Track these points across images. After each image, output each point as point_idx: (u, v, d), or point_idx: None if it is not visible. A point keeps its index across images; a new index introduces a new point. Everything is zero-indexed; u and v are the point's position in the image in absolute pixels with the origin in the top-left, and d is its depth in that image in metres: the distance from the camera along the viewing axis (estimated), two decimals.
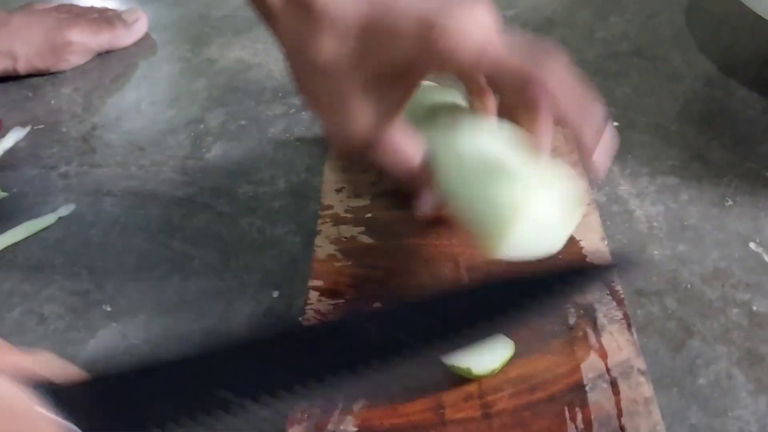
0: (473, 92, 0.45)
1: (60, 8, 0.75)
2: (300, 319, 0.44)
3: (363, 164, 0.53)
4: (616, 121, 0.60)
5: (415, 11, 0.37)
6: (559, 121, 0.39)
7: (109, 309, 0.48)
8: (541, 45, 0.38)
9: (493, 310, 0.30)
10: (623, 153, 0.56)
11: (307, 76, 0.41)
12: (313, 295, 0.45)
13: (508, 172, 0.38)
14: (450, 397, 0.39)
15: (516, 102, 0.41)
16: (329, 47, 0.38)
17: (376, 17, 0.37)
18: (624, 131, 0.58)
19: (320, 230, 0.49)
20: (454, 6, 0.36)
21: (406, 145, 0.42)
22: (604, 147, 0.37)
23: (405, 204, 0.49)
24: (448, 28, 0.36)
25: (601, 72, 0.66)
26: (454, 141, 0.41)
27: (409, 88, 0.40)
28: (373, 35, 0.37)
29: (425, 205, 0.45)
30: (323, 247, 0.48)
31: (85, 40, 0.72)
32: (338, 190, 0.52)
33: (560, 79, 0.37)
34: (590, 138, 0.37)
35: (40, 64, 0.71)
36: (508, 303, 0.30)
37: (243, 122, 0.63)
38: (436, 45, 0.36)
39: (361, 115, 0.39)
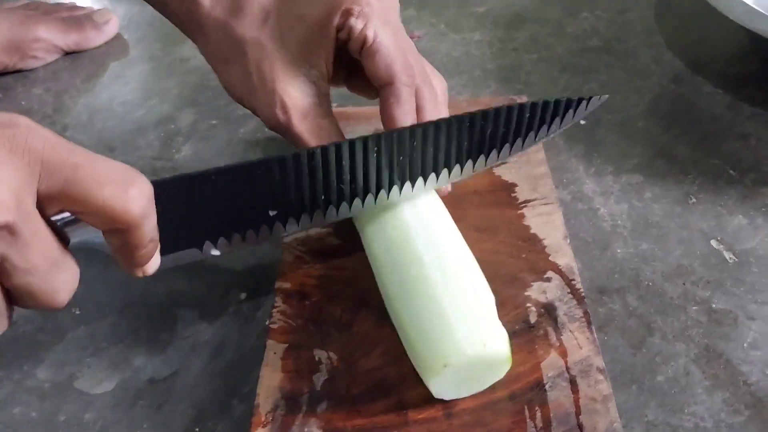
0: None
1: (28, 6, 0.74)
2: (267, 322, 0.44)
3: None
4: (583, 119, 0.60)
5: None
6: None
7: (78, 312, 0.48)
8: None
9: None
10: (589, 151, 0.57)
11: (239, 60, 0.45)
12: (280, 297, 0.45)
13: (443, 315, 0.38)
14: (412, 397, 0.39)
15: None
16: (252, 28, 0.44)
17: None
18: (590, 129, 0.59)
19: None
20: None
21: (329, 126, 0.45)
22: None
23: None
24: None
25: (570, 68, 0.66)
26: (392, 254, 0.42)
27: (330, 56, 0.45)
28: (290, 8, 0.44)
29: None
30: (290, 249, 0.48)
31: (51, 37, 0.71)
32: None
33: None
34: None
35: (6, 60, 0.70)
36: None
37: (214, 122, 0.63)
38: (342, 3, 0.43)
39: (289, 87, 0.44)
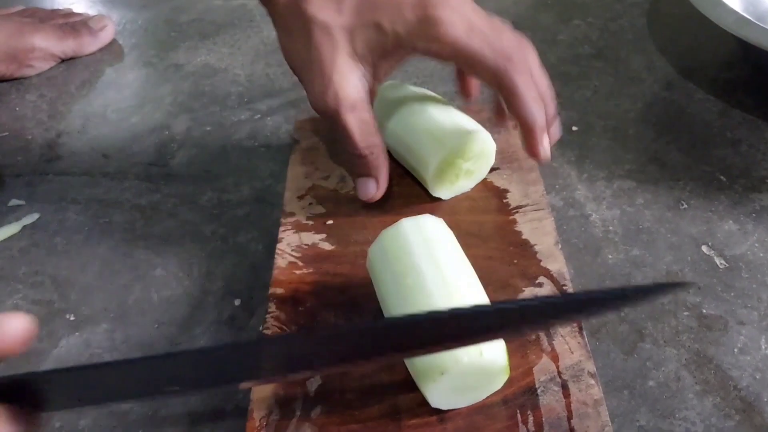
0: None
1: (23, 13, 0.74)
2: (261, 328, 0.44)
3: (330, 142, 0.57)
4: (575, 125, 0.61)
5: None
6: (517, 112, 0.45)
7: (72, 318, 0.49)
8: (515, 38, 0.46)
9: None
10: (581, 157, 0.57)
11: (303, 36, 0.46)
12: (274, 303, 0.45)
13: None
14: (406, 402, 0.40)
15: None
16: (323, 12, 0.45)
17: None
18: (583, 135, 0.60)
19: (282, 238, 0.50)
20: None
21: (371, 120, 0.47)
22: (550, 138, 0.46)
23: (365, 210, 0.50)
24: (439, 16, 0.43)
25: (563, 76, 0.67)
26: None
27: (394, 65, 0.47)
28: (368, 11, 0.44)
29: (370, 188, 0.49)
30: (284, 255, 0.48)
31: (48, 46, 0.71)
32: (300, 197, 0.53)
33: (525, 76, 0.45)
34: (540, 129, 0.45)
35: (3, 69, 0.70)
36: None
37: (208, 128, 0.64)
38: (427, 29, 0.43)
39: (344, 81, 0.45)
